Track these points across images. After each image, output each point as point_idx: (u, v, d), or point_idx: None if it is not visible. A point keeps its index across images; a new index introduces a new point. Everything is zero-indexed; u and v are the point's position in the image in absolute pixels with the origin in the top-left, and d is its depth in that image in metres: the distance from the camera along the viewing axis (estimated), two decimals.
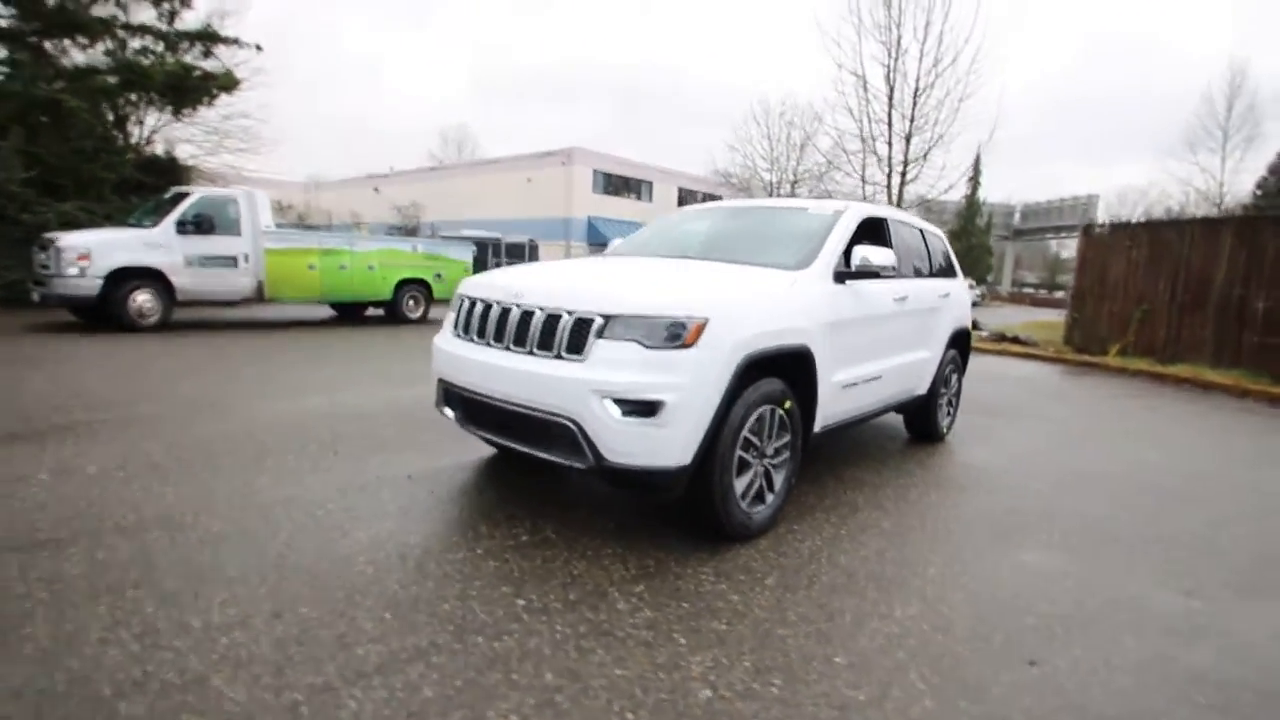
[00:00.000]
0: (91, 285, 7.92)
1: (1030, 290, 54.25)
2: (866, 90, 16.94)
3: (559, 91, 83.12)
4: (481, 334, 3.00)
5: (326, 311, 12.14)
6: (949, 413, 5.15)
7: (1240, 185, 33.40)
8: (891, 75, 16.67)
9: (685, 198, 37.01)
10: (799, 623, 2.23)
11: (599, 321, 2.59)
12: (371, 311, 11.90)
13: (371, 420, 4.53)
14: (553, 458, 2.71)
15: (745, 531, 2.85)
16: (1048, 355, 12.05)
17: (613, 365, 2.53)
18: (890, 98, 16.80)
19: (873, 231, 3.98)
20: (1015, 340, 14.02)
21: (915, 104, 16.62)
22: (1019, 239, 45.60)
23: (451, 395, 3.16)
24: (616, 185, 34.19)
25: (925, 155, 16.94)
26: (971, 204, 37.59)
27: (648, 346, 2.52)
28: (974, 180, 36.37)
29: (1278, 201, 28.53)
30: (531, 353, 2.74)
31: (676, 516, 3.03)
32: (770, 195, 27.03)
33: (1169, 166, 56.75)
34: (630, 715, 1.72)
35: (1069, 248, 48.11)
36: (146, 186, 12.40)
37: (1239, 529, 3.45)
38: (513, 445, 2.92)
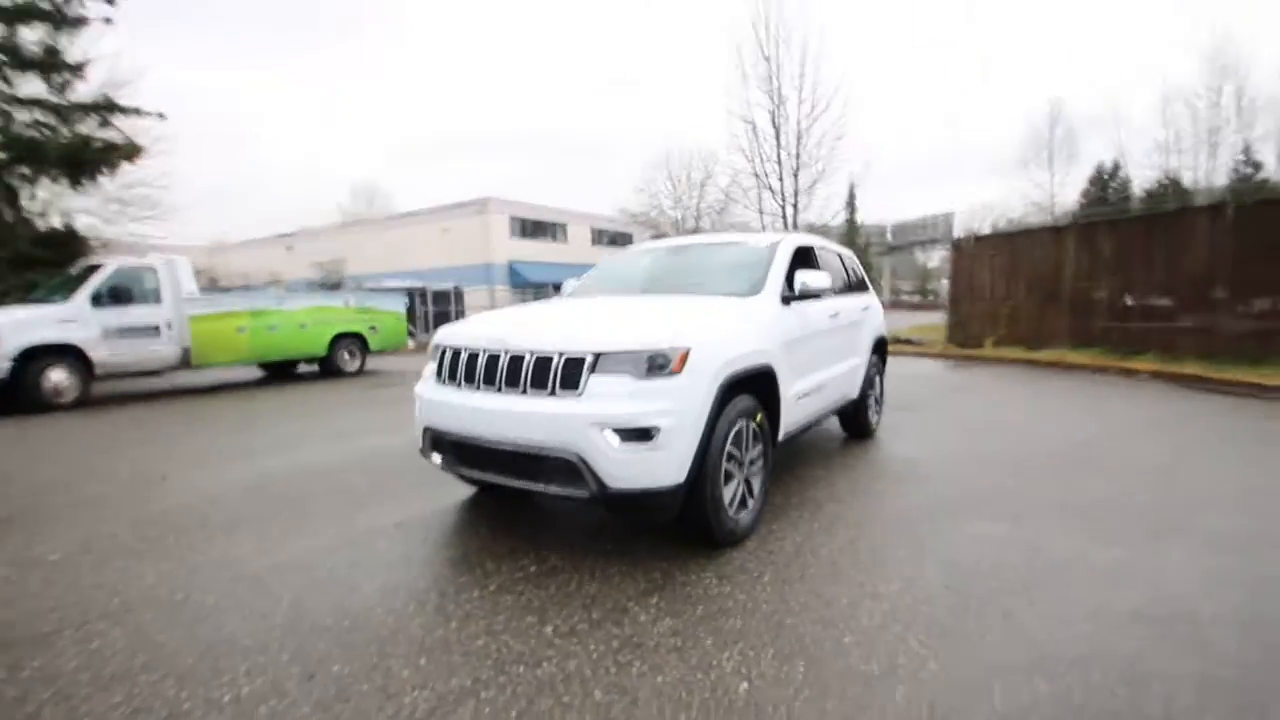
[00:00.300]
0: (1, 366, 7.43)
1: (907, 297, 59.34)
2: (756, 133, 18.41)
3: (469, 145, 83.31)
4: (470, 379, 3.11)
5: (254, 372, 11.71)
6: (876, 410, 5.70)
7: (1066, 196, 39.55)
8: (776, 119, 18.14)
9: (597, 238, 37.97)
10: (803, 611, 2.46)
11: (590, 359, 2.79)
12: (304, 367, 11.55)
13: (337, 475, 4.45)
14: (552, 490, 2.85)
15: (733, 537, 3.08)
16: (936, 352, 13.63)
17: (608, 398, 2.72)
18: (777, 139, 18.26)
19: (804, 257, 4.40)
20: (908, 342, 15.38)
21: (799, 143, 18.13)
22: (893, 253, 50.10)
23: (440, 441, 3.23)
24: (532, 229, 34.66)
25: (811, 188, 18.52)
26: (851, 227, 41.39)
27: (638, 378, 2.74)
28: (850, 206, 40.17)
29: (1101, 208, 33.02)
30: (524, 393, 2.89)
31: (667, 531, 3.22)
32: (677, 231, 28.44)
33: (1011, 183, 66.16)
34: (683, 717, 1.87)
35: (935, 258, 53.34)
36: (44, 262, 11.51)
37: (1139, 491, 4.01)
38: (510, 482, 3.02)
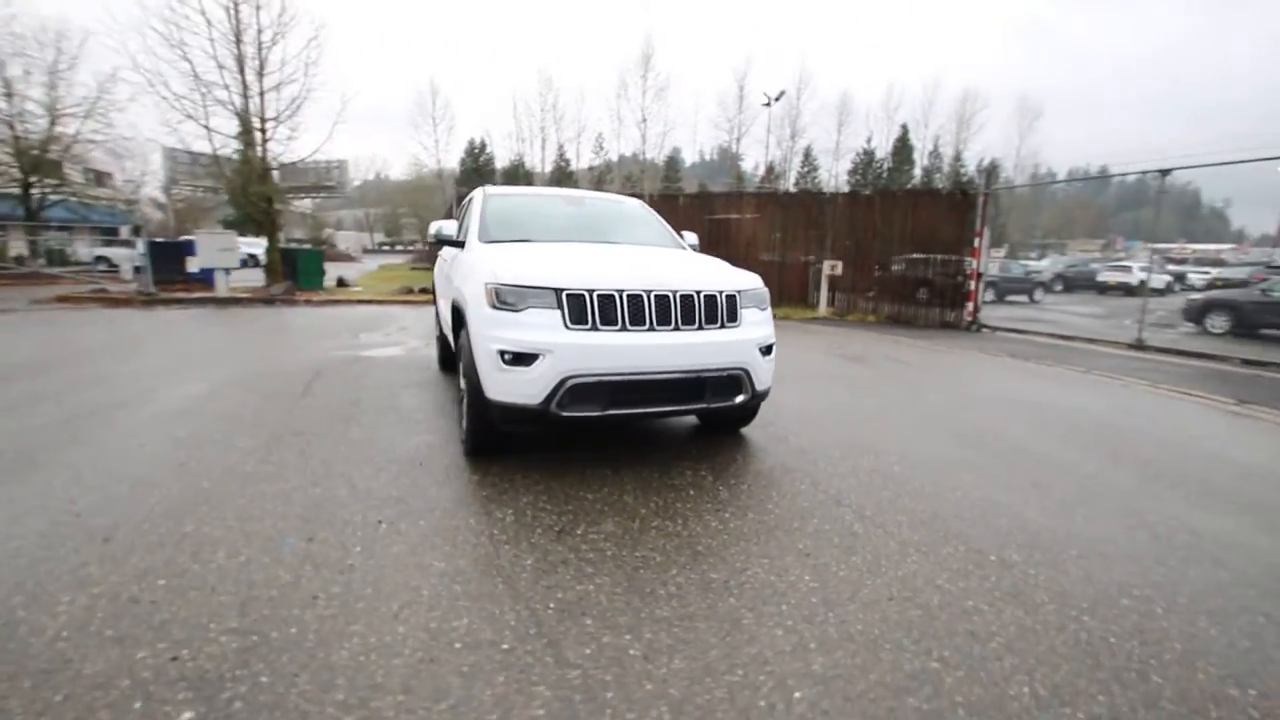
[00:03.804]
0: None
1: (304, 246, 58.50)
2: (210, 24, 14.89)
3: None
4: (637, 320, 3.16)
5: None
6: None
7: (449, 160, 47.56)
8: (234, 16, 15.18)
9: None
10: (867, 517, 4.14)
11: (739, 297, 3.50)
12: None
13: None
14: (713, 405, 3.44)
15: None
16: None
17: (753, 325, 3.55)
18: (239, 43, 15.30)
19: None
20: (424, 290, 16.59)
21: (262, 52, 15.69)
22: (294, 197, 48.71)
23: (583, 389, 3.09)
24: None
25: (293, 117, 16.31)
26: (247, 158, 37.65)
27: (760, 309, 3.67)
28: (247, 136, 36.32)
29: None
30: (700, 327, 3.29)
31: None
32: None
33: (399, 139, 73.98)
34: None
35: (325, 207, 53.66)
36: None
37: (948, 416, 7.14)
38: (667, 409, 3.35)
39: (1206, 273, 24.00)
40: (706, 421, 4.35)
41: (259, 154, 15.47)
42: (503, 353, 3.10)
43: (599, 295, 3.14)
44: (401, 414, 4.53)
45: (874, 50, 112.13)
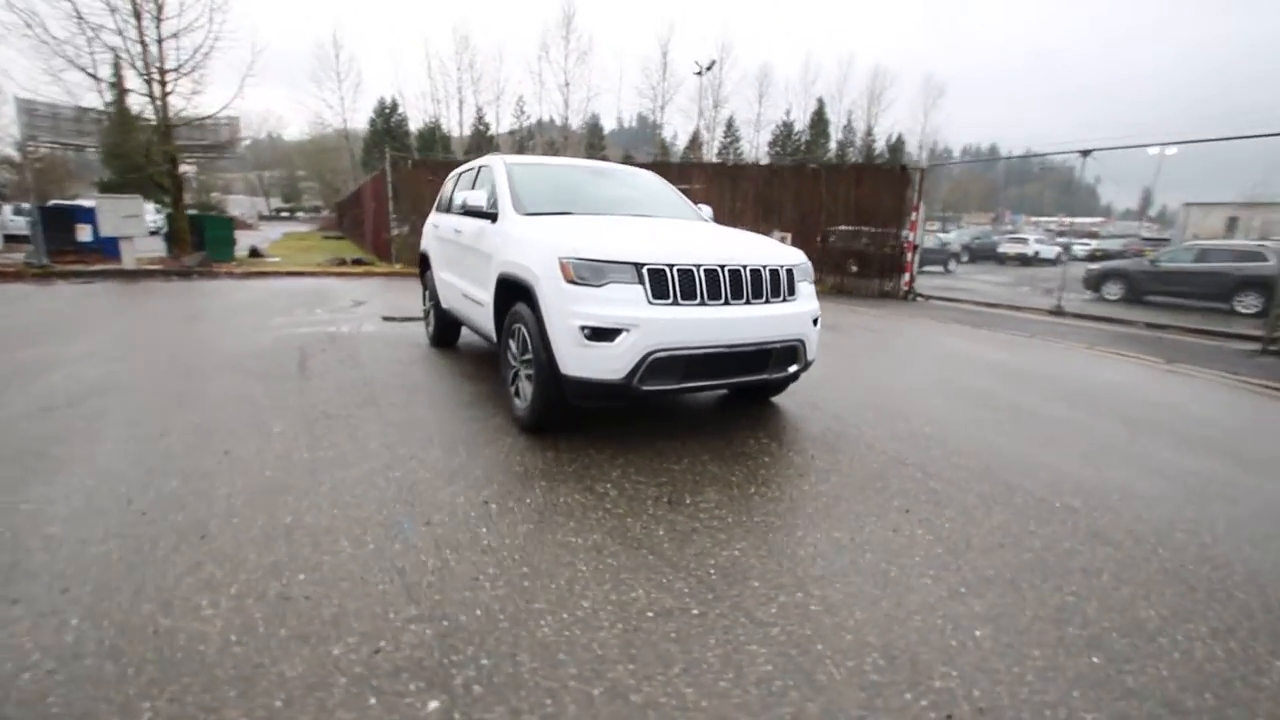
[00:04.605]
0: None
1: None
2: None
3: None
4: (714, 295, 3.22)
5: None
6: None
7: (357, 120, 44.92)
8: None
9: None
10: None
11: (795, 271, 3.63)
12: None
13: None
14: (773, 376, 3.59)
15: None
16: (392, 271, 13.79)
17: (805, 298, 3.70)
18: None
19: None
20: (358, 261, 15.68)
21: None
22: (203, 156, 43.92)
23: (661, 364, 3.13)
24: None
25: (194, 70, 14.56)
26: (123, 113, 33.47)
27: (809, 282, 3.82)
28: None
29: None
30: (767, 301, 3.40)
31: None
32: None
33: (300, 96, 67.82)
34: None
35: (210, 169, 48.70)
36: None
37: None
38: (737, 380, 3.47)
39: (1088, 244, 26.64)
40: (739, 393, 4.49)
41: (159, 109, 13.83)
42: (584, 328, 3.08)
43: (679, 270, 3.18)
44: (427, 392, 4.38)
45: (792, 23, 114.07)
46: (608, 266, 3.12)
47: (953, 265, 22.61)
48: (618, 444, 3.45)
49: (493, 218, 4.17)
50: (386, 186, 14.70)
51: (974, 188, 70.14)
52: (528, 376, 3.55)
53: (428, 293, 6.07)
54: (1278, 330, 7.40)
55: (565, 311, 3.14)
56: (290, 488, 2.78)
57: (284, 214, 58.06)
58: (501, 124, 47.69)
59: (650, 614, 1.97)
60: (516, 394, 3.70)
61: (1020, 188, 70.13)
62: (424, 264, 6.09)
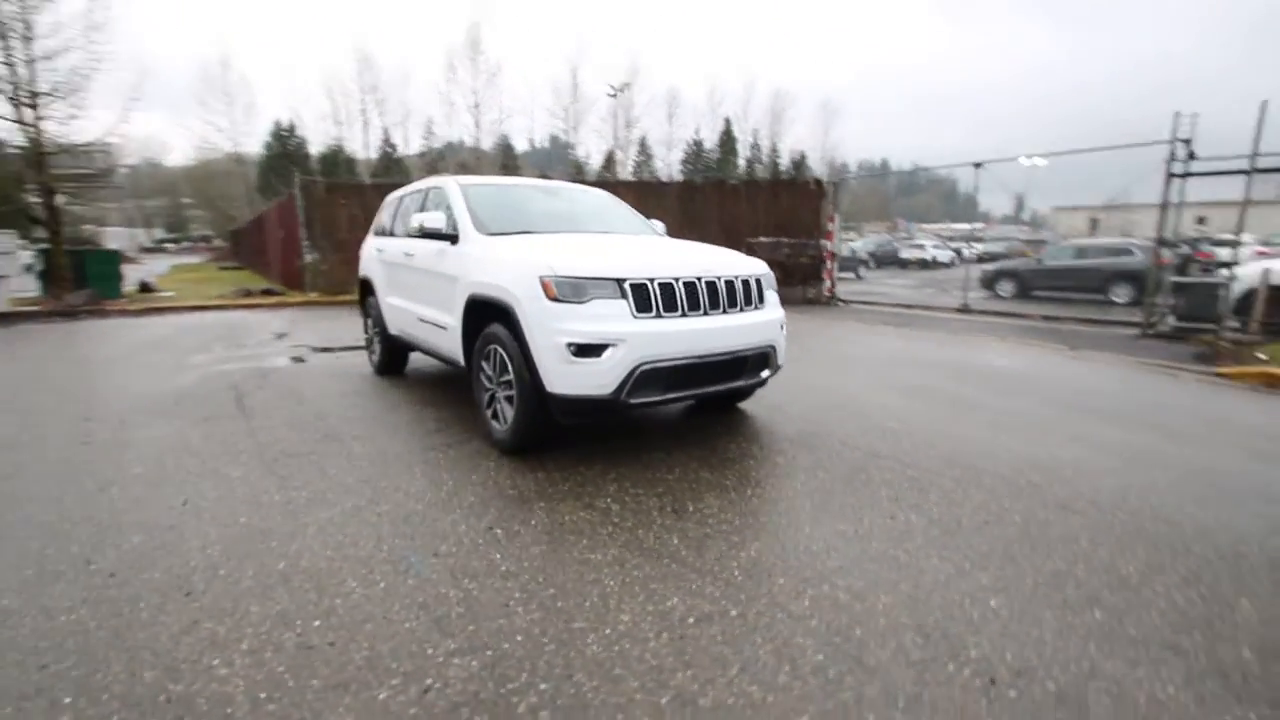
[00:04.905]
0: None
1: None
2: None
3: None
4: (693, 306, 3.29)
5: None
6: None
7: (251, 145, 42.82)
8: None
9: None
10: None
11: (764, 280, 3.77)
12: None
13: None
14: (749, 382, 3.70)
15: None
16: (307, 301, 12.93)
17: (773, 306, 3.85)
18: None
19: None
20: (269, 292, 14.80)
21: (26, 10, 12.71)
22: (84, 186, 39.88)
23: (646, 376, 3.16)
24: None
25: (74, 90, 13.35)
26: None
27: (774, 290, 3.97)
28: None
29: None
30: (741, 310, 3.52)
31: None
32: None
33: (186, 120, 64.04)
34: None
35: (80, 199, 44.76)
36: None
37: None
38: (717, 388, 3.52)
39: (974, 247, 29.07)
40: (707, 402, 4.58)
41: (33, 135, 12.53)
42: (570, 345, 3.08)
43: (659, 283, 3.24)
44: (388, 422, 4.19)
45: (698, 48, 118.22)
46: (589, 283, 3.14)
47: (863, 271, 23.98)
48: (606, 460, 3.44)
49: (453, 239, 4.08)
50: (298, 211, 13.94)
51: (869, 200, 74.95)
52: (507, 398, 3.48)
53: (370, 320, 5.82)
54: (1154, 316, 8.38)
55: (549, 329, 3.12)
56: (271, 532, 2.60)
57: (167, 245, 53.63)
58: (410, 145, 46.39)
59: (691, 620, 1.99)
60: (494, 417, 3.62)
61: (909, 199, 75.61)
62: (365, 290, 5.83)
